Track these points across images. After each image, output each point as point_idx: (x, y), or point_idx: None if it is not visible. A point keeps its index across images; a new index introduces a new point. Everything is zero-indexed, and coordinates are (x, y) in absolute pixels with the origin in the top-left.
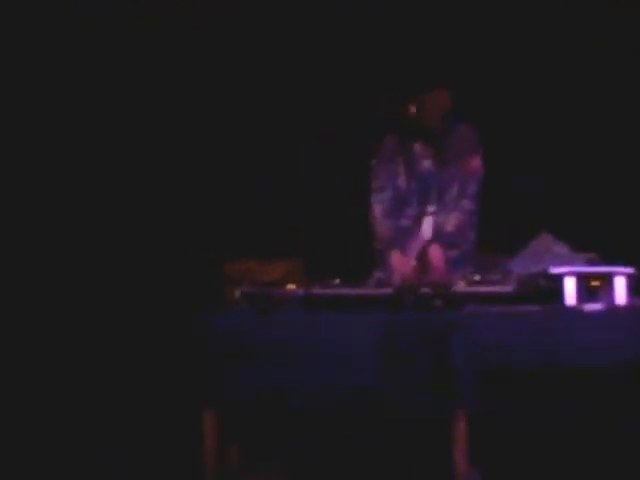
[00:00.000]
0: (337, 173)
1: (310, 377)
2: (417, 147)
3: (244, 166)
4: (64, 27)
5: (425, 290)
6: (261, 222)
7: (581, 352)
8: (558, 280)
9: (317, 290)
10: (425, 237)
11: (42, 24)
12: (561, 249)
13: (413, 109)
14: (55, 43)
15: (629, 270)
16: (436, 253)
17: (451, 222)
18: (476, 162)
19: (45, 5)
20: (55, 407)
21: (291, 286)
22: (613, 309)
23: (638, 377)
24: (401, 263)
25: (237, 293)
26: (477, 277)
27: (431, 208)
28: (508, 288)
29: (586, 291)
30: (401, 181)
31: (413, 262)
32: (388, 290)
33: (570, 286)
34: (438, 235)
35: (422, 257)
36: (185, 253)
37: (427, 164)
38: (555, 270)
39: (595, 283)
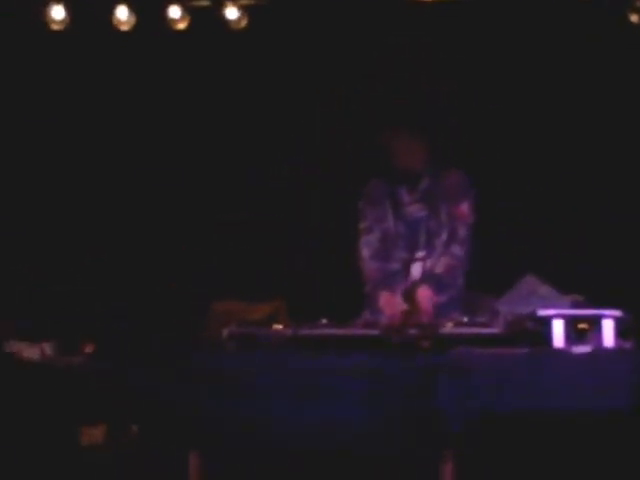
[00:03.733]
0: (323, 214)
1: (295, 418)
2: (403, 192)
3: (228, 202)
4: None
5: (412, 331)
6: (246, 262)
7: (569, 395)
8: (546, 322)
9: (304, 330)
10: (414, 280)
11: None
12: (546, 290)
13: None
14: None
15: (617, 313)
16: (424, 294)
17: (441, 265)
18: (466, 207)
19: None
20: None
21: (278, 326)
22: (601, 352)
23: (627, 421)
24: (390, 304)
25: (224, 333)
26: (465, 319)
27: (420, 253)
28: (496, 330)
29: (574, 334)
30: (389, 224)
31: (401, 303)
32: (375, 331)
33: (558, 329)
34: (427, 277)
35: (410, 298)
36: (171, 291)
37: (415, 209)
38: (543, 312)
39: (583, 326)
